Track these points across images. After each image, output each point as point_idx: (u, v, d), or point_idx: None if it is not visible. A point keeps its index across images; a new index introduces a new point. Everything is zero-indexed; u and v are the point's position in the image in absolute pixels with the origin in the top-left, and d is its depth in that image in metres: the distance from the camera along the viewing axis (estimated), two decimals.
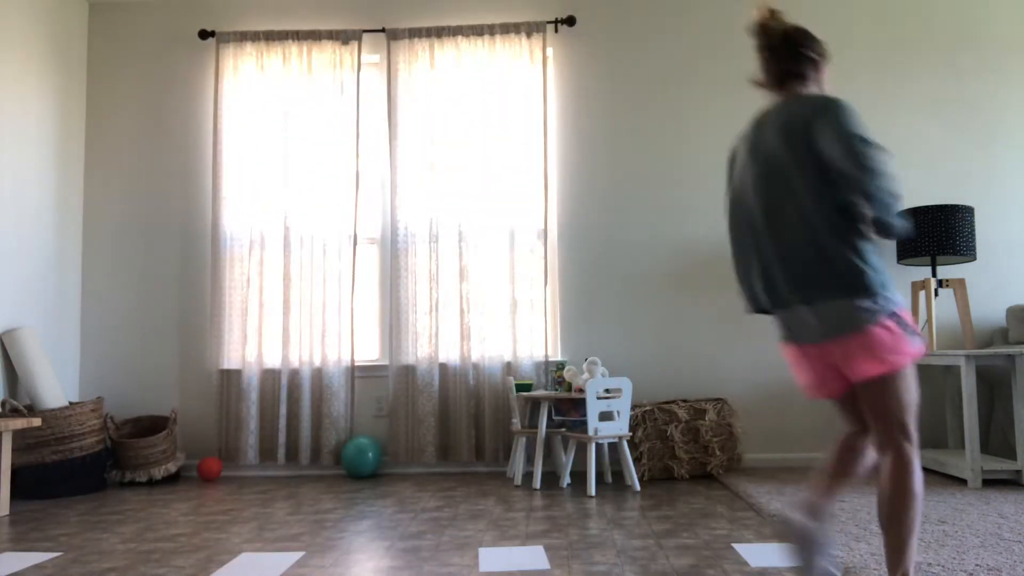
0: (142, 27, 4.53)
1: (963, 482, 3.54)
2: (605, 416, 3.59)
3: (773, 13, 2.07)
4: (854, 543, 2.48)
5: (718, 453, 3.83)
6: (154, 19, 4.53)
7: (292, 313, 4.24)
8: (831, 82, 4.35)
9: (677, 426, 3.82)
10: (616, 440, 3.61)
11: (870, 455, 2.02)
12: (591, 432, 3.48)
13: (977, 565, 2.22)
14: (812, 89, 2.04)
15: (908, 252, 3.96)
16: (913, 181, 4.28)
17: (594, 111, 4.38)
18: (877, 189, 1.78)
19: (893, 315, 1.82)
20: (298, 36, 4.35)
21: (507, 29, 4.29)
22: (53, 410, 3.69)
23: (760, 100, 4.34)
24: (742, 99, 4.36)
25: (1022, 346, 3.67)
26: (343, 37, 4.35)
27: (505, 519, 3.01)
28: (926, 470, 3.90)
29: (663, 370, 4.24)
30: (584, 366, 3.77)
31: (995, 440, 3.94)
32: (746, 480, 3.68)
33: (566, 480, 3.69)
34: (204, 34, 4.41)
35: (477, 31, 4.30)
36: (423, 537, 2.75)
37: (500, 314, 4.20)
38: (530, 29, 4.30)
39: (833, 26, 4.37)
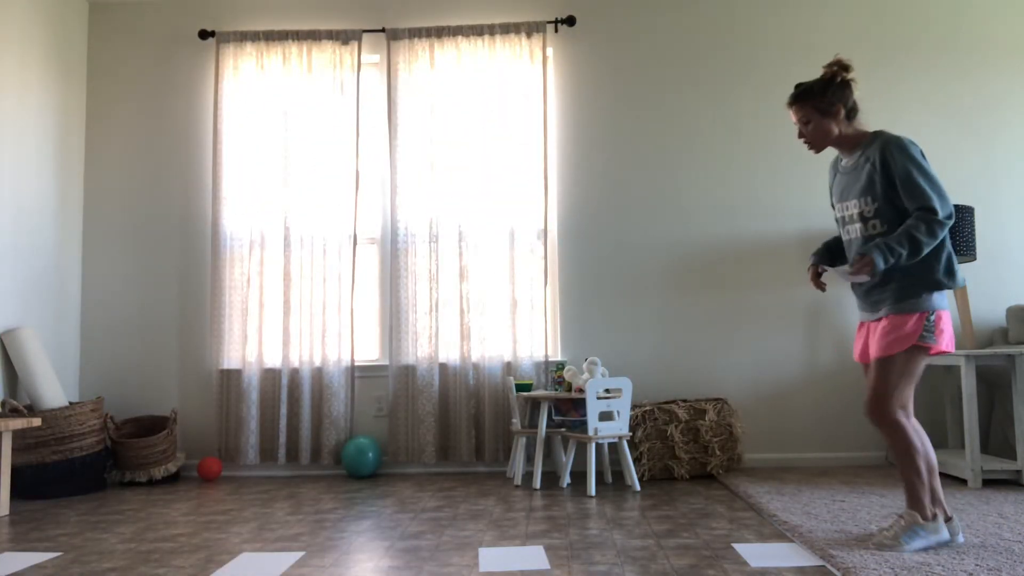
0: (142, 27, 4.53)
1: (963, 482, 3.54)
2: (605, 416, 3.59)
3: None
4: (854, 543, 2.47)
5: (718, 453, 3.84)
6: (154, 19, 4.53)
7: (292, 313, 4.23)
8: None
9: (677, 426, 3.82)
10: (616, 440, 3.61)
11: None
12: (591, 432, 3.48)
13: (977, 565, 2.22)
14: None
15: None
16: None
17: (594, 111, 4.38)
18: None
19: None
20: (298, 36, 4.35)
21: (507, 29, 4.29)
22: (53, 410, 3.69)
23: (758, 102, 4.34)
24: (741, 98, 4.36)
25: (1022, 346, 3.67)
26: (343, 37, 4.35)
27: (505, 519, 3.01)
28: None
29: (663, 370, 4.24)
30: (584, 366, 3.76)
31: (995, 440, 3.94)
32: (746, 480, 3.68)
33: (566, 480, 3.69)
34: (204, 34, 4.41)
35: (477, 31, 4.29)
36: (423, 537, 2.75)
37: (500, 314, 4.20)
38: (530, 29, 4.29)
39: (833, 26, 4.37)
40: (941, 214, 2.34)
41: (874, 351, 2.42)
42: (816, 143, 2.55)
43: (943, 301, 2.41)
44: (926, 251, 2.34)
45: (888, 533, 2.41)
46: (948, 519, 2.45)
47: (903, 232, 2.34)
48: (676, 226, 4.31)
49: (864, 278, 2.39)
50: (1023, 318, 3.82)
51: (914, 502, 2.39)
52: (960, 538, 2.45)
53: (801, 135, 2.55)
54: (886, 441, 2.43)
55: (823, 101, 2.47)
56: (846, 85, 2.49)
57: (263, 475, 4.22)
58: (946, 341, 2.40)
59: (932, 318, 2.37)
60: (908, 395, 2.41)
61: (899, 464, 2.41)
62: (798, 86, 2.52)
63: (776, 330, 4.25)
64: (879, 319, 2.47)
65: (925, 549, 2.36)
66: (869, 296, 2.50)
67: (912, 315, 2.38)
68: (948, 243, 2.43)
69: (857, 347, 2.61)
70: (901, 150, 2.39)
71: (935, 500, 2.42)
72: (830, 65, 2.50)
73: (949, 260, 2.42)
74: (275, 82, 4.35)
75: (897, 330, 2.38)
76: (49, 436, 3.66)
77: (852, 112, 2.51)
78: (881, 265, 2.33)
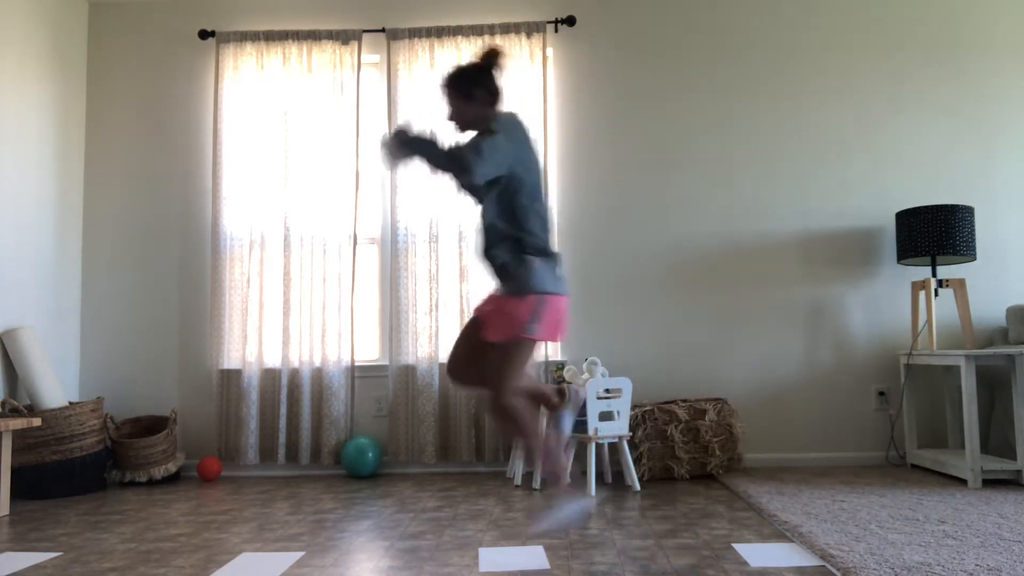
0: (142, 27, 4.53)
1: (963, 482, 3.55)
2: (605, 416, 3.59)
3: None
4: (854, 543, 2.48)
5: (718, 453, 3.84)
6: (154, 19, 4.53)
7: (292, 313, 4.23)
8: (834, 82, 4.36)
9: (677, 426, 3.82)
10: (616, 440, 3.61)
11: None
12: (591, 432, 3.48)
13: (977, 565, 2.22)
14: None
15: (908, 252, 3.96)
16: (913, 181, 4.28)
17: (594, 111, 4.38)
18: None
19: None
20: (298, 36, 4.35)
21: (507, 29, 4.29)
22: (53, 410, 3.69)
23: (762, 98, 4.34)
24: (741, 99, 4.36)
25: (1022, 346, 3.67)
26: (343, 37, 4.35)
27: (505, 519, 3.01)
28: (926, 470, 3.90)
29: (663, 370, 4.24)
30: (584, 366, 3.76)
31: (995, 440, 3.94)
32: (746, 480, 3.68)
33: (566, 480, 3.69)
34: (204, 34, 4.41)
35: (477, 31, 4.29)
36: (423, 537, 2.75)
37: None
38: (530, 29, 4.30)
39: (833, 26, 4.37)
40: (473, 157, 2.35)
41: (491, 332, 2.43)
42: (460, 125, 2.60)
43: (557, 285, 2.43)
44: (445, 163, 2.40)
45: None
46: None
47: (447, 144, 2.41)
48: (676, 226, 4.31)
49: (401, 157, 2.46)
50: (1023, 318, 3.82)
51: (554, 465, 2.44)
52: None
53: (449, 117, 2.60)
54: (499, 424, 2.46)
55: (465, 85, 2.53)
56: (486, 71, 2.54)
57: (263, 475, 4.22)
58: (548, 330, 2.41)
59: (542, 305, 2.38)
60: (520, 378, 2.44)
61: (526, 440, 2.43)
62: (448, 70, 2.58)
63: (776, 330, 4.25)
64: (501, 296, 2.48)
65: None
66: (495, 274, 2.51)
67: (523, 298, 2.38)
68: (530, 224, 2.43)
69: (483, 304, 2.59)
70: (487, 129, 2.44)
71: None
72: (483, 52, 2.55)
73: (541, 240, 2.44)
74: (275, 82, 4.35)
75: (510, 316, 2.40)
76: (49, 436, 3.66)
77: (494, 99, 2.55)
78: (412, 130, 2.41)
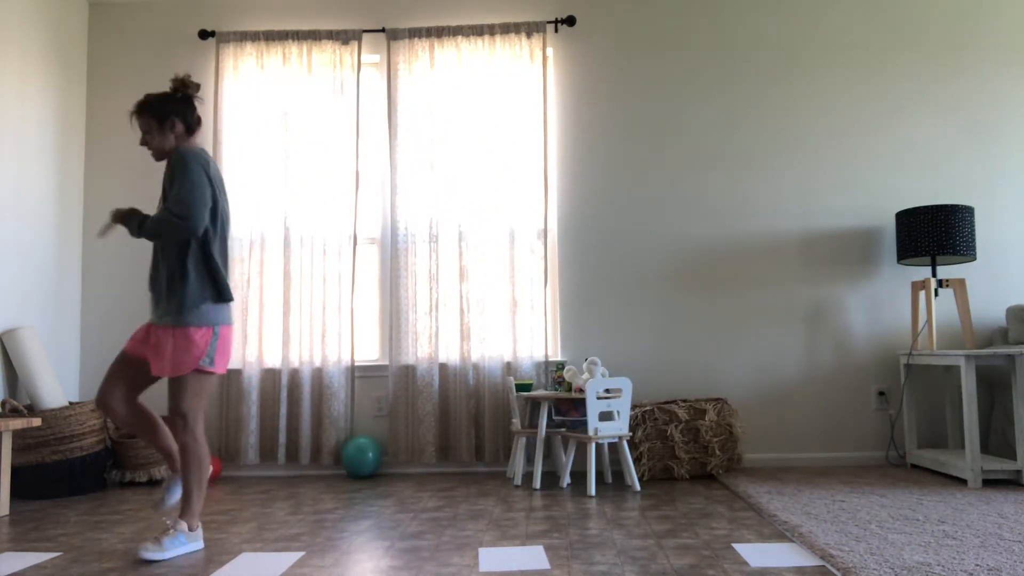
0: (142, 27, 4.53)
1: (963, 482, 3.55)
2: (605, 416, 3.59)
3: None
4: (854, 543, 2.48)
5: (718, 453, 3.84)
6: (154, 19, 4.53)
7: (292, 313, 4.23)
8: (834, 82, 4.36)
9: (677, 426, 3.82)
10: (616, 440, 3.61)
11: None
12: (591, 432, 3.48)
13: (977, 565, 2.22)
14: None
15: (908, 252, 3.96)
16: (913, 181, 4.28)
17: (594, 111, 4.38)
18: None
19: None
20: (298, 36, 4.35)
21: (507, 29, 4.29)
22: (53, 410, 3.69)
23: (762, 98, 4.34)
24: (741, 99, 4.36)
25: (1022, 346, 3.67)
26: (343, 37, 4.35)
27: (505, 519, 3.01)
28: (926, 470, 3.90)
29: (663, 370, 4.24)
30: (584, 366, 3.76)
31: (995, 440, 3.94)
32: (746, 480, 3.68)
33: (566, 480, 3.69)
34: (204, 34, 4.41)
35: (477, 31, 4.30)
36: (423, 537, 2.75)
37: (500, 314, 4.20)
38: (530, 29, 4.30)
39: (833, 26, 4.37)
40: (185, 220, 2.48)
41: (166, 368, 2.54)
42: (156, 152, 2.67)
43: (226, 316, 2.62)
44: (165, 237, 2.51)
45: (156, 537, 2.52)
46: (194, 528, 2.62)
47: (155, 217, 2.53)
48: (676, 226, 4.31)
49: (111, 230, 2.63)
50: (1023, 318, 3.82)
51: (189, 513, 2.59)
52: (202, 543, 2.64)
53: (144, 143, 2.67)
54: (180, 453, 2.60)
55: (160, 113, 2.62)
56: (187, 101, 2.65)
57: (263, 475, 4.22)
58: (224, 363, 2.61)
59: (215, 342, 2.56)
60: (201, 410, 2.60)
61: (187, 476, 2.59)
62: (145, 97, 2.65)
63: (776, 330, 4.25)
64: (164, 327, 2.57)
65: (182, 555, 2.53)
66: (158, 305, 2.61)
67: (197, 329, 2.54)
68: (213, 261, 2.58)
69: (136, 338, 2.66)
70: (181, 162, 2.53)
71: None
72: (174, 80, 2.64)
73: (216, 277, 2.57)
74: (275, 82, 4.35)
75: (185, 350, 2.52)
76: (49, 436, 3.66)
77: (191, 128, 2.66)
78: (134, 227, 2.55)
